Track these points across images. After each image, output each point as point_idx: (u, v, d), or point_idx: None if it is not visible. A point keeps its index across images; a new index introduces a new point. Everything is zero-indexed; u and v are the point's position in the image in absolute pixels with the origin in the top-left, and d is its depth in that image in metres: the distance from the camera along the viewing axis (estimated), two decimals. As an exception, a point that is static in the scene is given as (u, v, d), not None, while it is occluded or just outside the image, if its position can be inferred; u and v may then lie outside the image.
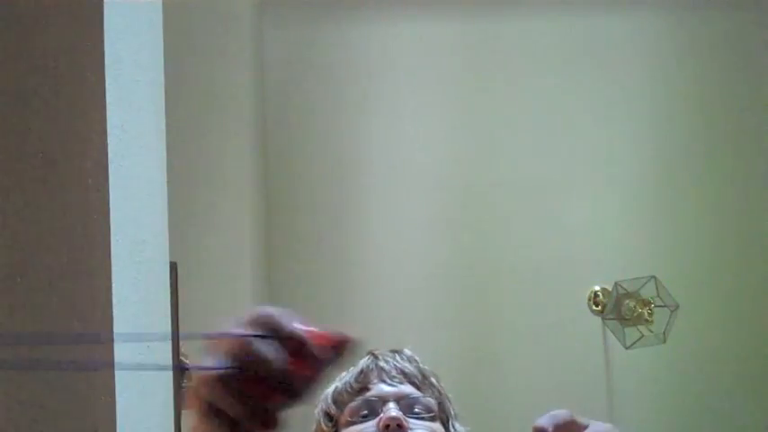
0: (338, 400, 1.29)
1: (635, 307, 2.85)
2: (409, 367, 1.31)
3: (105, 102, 1.10)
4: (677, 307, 2.83)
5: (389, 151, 2.99)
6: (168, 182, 1.34)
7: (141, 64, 1.24)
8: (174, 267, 2.00)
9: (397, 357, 1.33)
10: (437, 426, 1.26)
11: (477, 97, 3.02)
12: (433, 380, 1.33)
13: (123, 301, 1.12)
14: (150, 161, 1.26)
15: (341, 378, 1.32)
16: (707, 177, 3.00)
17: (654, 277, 2.83)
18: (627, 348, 2.85)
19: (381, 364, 1.30)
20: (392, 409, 1.21)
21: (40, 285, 1.08)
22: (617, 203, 2.99)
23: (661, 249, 2.97)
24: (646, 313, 2.84)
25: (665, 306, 2.84)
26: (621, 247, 2.96)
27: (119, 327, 1.10)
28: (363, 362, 1.33)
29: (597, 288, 2.94)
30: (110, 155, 1.09)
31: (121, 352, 1.11)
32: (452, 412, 1.33)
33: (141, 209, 1.21)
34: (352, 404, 1.26)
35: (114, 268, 1.10)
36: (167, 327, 1.32)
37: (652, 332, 2.85)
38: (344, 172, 2.99)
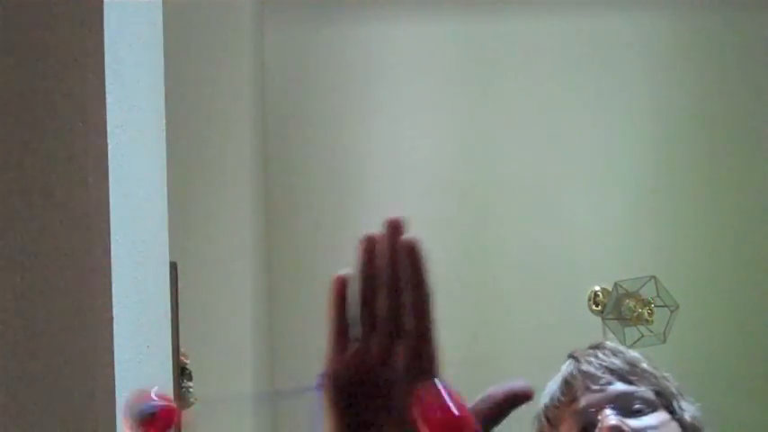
0: (550, 418, 1.19)
1: (635, 307, 2.85)
2: (615, 362, 1.20)
3: (105, 102, 1.10)
4: (677, 307, 2.83)
5: (389, 151, 2.99)
6: (168, 182, 1.33)
7: (141, 64, 1.24)
8: (174, 267, 2.00)
9: (599, 354, 1.21)
10: (661, 415, 1.17)
11: (477, 97, 3.02)
12: (645, 365, 1.22)
13: (123, 301, 1.12)
14: (150, 161, 1.26)
15: (547, 391, 1.22)
16: (707, 177, 3.00)
17: (654, 277, 2.83)
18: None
19: (584, 367, 1.19)
20: (610, 417, 1.11)
21: (40, 286, 1.08)
22: (617, 203, 2.99)
23: (661, 249, 2.97)
24: (646, 313, 2.84)
25: (665, 306, 2.84)
26: (621, 247, 2.96)
27: (119, 327, 1.10)
28: (565, 368, 1.23)
29: (597, 288, 2.93)
30: (110, 155, 1.09)
31: (122, 352, 1.11)
32: (675, 392, 1.22)
33: (141, 209, 1.21)
34: (567, 420, 1.16)
35: (114, 268, 1.10)
36: (167, 327, 1.32)
37: (652, 332, 2.84)
38: (344, 171, 2.99)
